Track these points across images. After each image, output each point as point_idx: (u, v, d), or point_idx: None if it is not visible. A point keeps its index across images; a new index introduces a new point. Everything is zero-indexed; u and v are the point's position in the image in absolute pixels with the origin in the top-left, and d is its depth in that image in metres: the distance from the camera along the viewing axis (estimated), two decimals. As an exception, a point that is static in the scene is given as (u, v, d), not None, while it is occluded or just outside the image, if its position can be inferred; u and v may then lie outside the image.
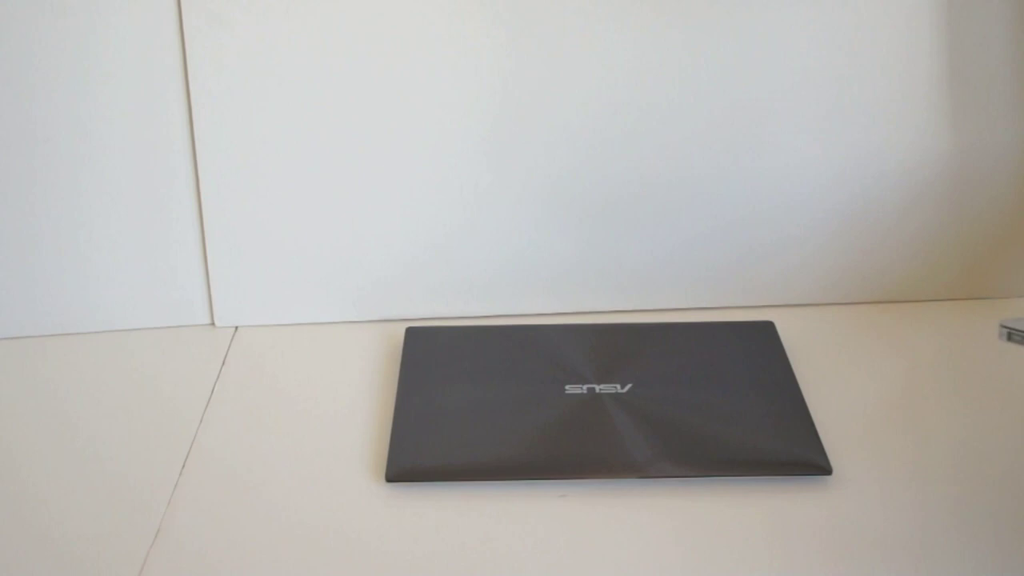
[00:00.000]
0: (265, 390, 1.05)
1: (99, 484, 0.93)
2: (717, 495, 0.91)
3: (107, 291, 1.12)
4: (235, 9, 1.03)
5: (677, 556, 0.86)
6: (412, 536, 0.88)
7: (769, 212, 1.12)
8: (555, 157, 1.09)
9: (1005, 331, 0.87)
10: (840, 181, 1.11)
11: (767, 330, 1.08)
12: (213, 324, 1.14)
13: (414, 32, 1.05)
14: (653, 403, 0.98)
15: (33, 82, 1.04)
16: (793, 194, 1.11)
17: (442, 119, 1.08)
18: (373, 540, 0.88)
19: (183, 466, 0.95)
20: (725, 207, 1.11)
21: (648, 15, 1.05)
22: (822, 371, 1.04)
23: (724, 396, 0.99)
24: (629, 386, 1.00)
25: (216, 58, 1.05)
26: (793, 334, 1.08)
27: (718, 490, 0.91)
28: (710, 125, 1.09)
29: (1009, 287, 1.16)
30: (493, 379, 1.02)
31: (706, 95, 1.08)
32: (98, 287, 1.11)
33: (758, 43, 1.06)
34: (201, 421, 1.00)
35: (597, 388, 1.00)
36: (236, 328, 1.13)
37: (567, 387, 1.00)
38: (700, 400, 0.99)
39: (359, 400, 1.02)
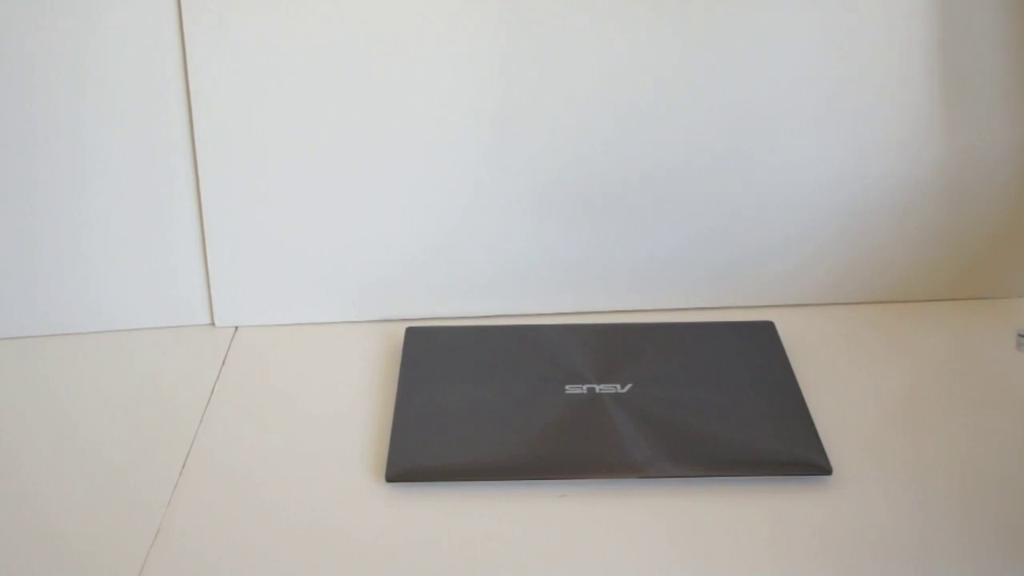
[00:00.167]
0: (265, 390, 1.05)
1: (99, 484, 0.93)
2: (717, 495, 0.91)
3: (107, 291, 1.12)
4: (235, 9, 1.03)
5: (677, 556, 0.86)
6: (412, 536, 0.88)
7: (769, 212, 1.12)
8: (555, 157, 1.09)
9: (1023, 340, 0.87)
10: (840, 181, 1.11)
11: (767, 330, 1.08)
12: (213, 324, 1.14)
13: (414, 32, 1.05)
14: (653, 403, 0.98)
15: (33, 82, 1.04)
16: (793, 194, 1.11)
17: (442, 119, 1.08)
18: (373, 540, 0.88)
19: (183, 466, 0.95)
20: (725, 207, 1.11)
21: (648, 15, 1.05)
22: (822, 371, 1.04)
23: (724, 396, 0.99)
24: (629, 386, 1.00)
25: (216, 58, 1.05)
26: (793, 334, 1.08)
27: (718, 490, 0.91)
28: (710, 125, 1.09)
29: (1009, 287, 1.16)
30: (493, 379, 1.02)
31: (706, 96, 1.08)
32: (98, 287, 1.12)
33: (758, 44, 1.07)
34: (201, 421, 1.00)
35: (597, 388, 1.00)
36: (236, 328, 1.13)
37: (567, 387, 1.00)
38: (700, 400, 0.99)
39: (359, 400, 1.02)
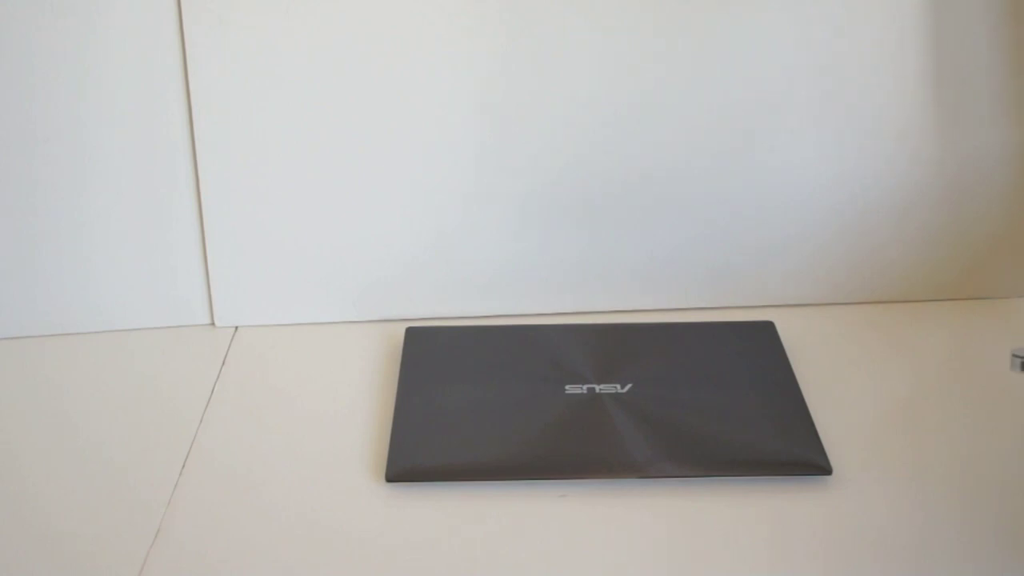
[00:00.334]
0: (265, 390, 1.05)
1: (99, 484, 0.93)
2: (717, 495, 0.91)
3: (107, 291, 1.12)
4: (235, 9, 1.03)
5: (677, 556, 0.86)
6: (412, 536, 0.88)
7: (769, 212, 1.12)
8: (555, 158, 1.09)
9: (1019, 361, 0.86)
10: (840, 181, 1.11)
11: (767, 330, 1.08)
12: (213, 324, 1.14)
13: (414, 32, 1.05)
14: (653, 403, 0.98)
15: (33, 82, 1.04)
16: (793, 194, 1.11)
17: (442, 119, 1.08)
18: (373, 540, 0.88)
19: (183, 466, 0.95)
20: (725, 207, 1.11)
21: (649, 16, 1.05)
22: (822, 371, 1.04)
23: (724, 396, 0.99)
24: (629, 386, 1.00)
25: (216, 58, 1.05)
26: (793, 334, 1.08)
27: (718, 490, 0.91)
28: (710, 126, 1.09)
29: (1009, 287, 1.16)
30: (493, 379, 1.02)
31: (706, 96, 1.08)
32: (98, 287, 1.11)
33: (758, 44, 1.06)
34: (201, 421, 1.00)
35: (597, 388, 1.00)
36: (236, 328, 1.13)
37: (567, 387, 1.00)
38: (700, 400, 0.99)
39: (359, 400, 1.02)
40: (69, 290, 1.11)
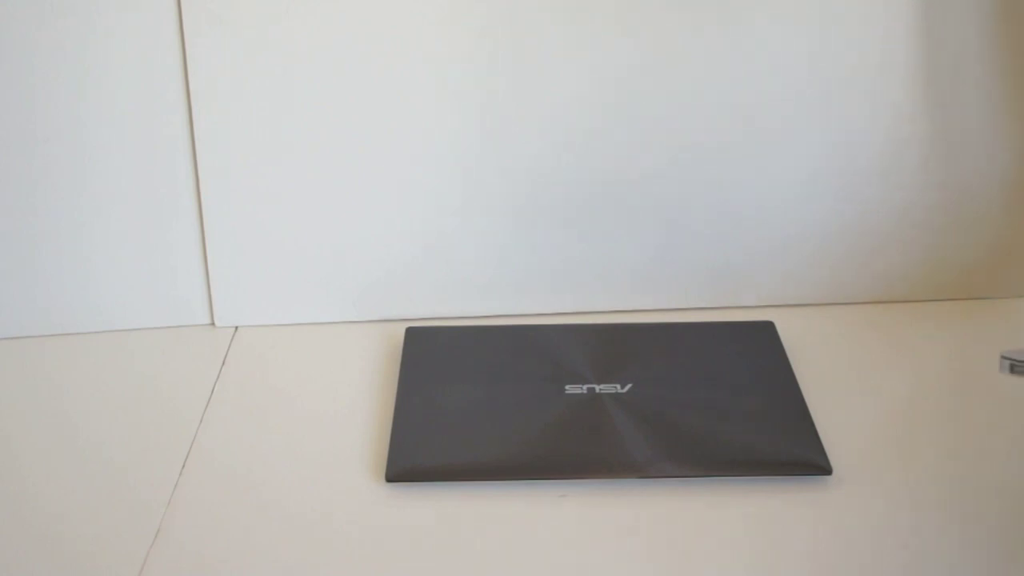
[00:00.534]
0: (265, 390, 1.05)
1: (99, 484, 0.93)
2: (717, 495, 0.91)
3: (107, 291, 1.12)
4: (235, 9, 1.03)
5: (677, 556, 0.86)
6: (412, 536, 0.88)
7: (769, 212, 1.12)
8: (555, 157, 1.09)
9: (1007, 363, 0.85)
10: (840, 181, 1.11)
11: (767, 330, 1.08)
12: (213, 324, 1.14)
13: (414, 32, 1.05)
14: (653, 403, 0.98)
15: (33, 82, 1.04)
16: (793, 194, 1.11)
17: (442, 119, 1.08)
18: (373, 540, 0.88)
19: (183, 466, 0.95)
20: (725, 207, 1.11)
21: (649, 16, 1.05)
22: (822, 371, 1.04)
23: (724, 396, 0.99)
24: (629, 386, 1.00)
25: (216, 58, 1.05)
26: (793, 334, 1.08)
27: (718, 490, 0.91)
28: (710, 125, 1.09)
29: (1009, 287, 1.16)
30: (493, 379, 1.02)
31: (706, 96, 1.08)
32: (98, 287, 1.12)
33: (757, 43, 1.06)
34: (201, 421, 1.00)
35: (597, 388, 1.00)
36: (236, 328, 1.13)
37: (567, 387, 1.00)
38: (700, 400, 0.99)
39: (359, 400, 1.02)
40: (69, 290, 1.11)
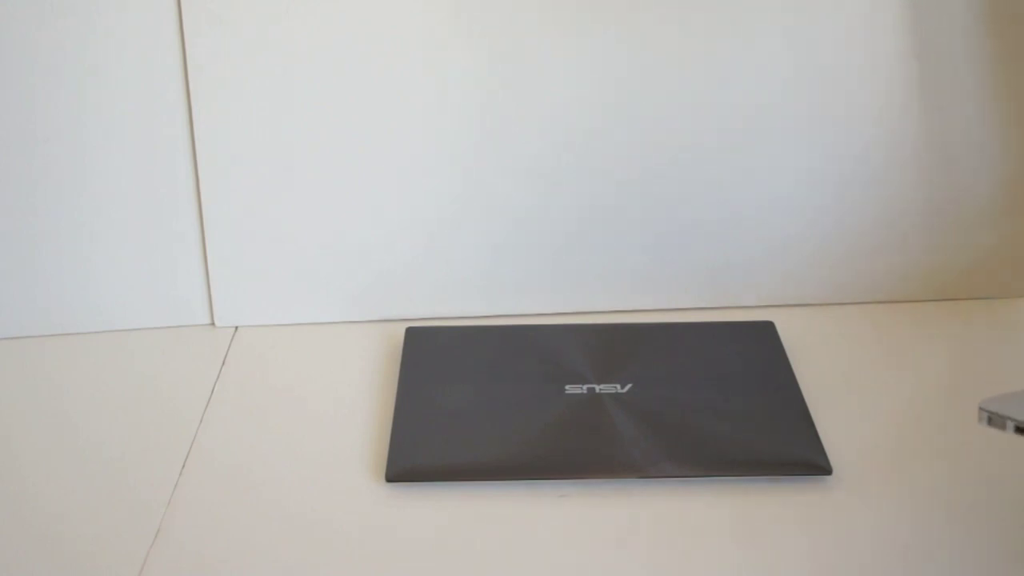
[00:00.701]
0: (265, 390, 1.05)
1: (99, 484, 0.93)
2: (717, 495, 0.91)
3: (107, 291, 1.12)
4: (235, 9, 1.03)
5: (677, 556, 0.86)
6: (412, 536, 0.88)
7: (768, 212, 1.12)
8: (555, 158, 1.09)
9: (985, 415, 0.84)
10: (840, 182, 1.11)
11: (767, 330, 1.08)
12: (213, 324, 1.14)
13: (414, 32, 1.05)
14: (653, 403, 0.98)
15: (33, 82, 1.04)
16: (793, 194, 1.11)
17: (441, 118, 1.08)
18: (373, 540, 0.88)
19: (183, 466, 0.95)
20: (724, 207, 1.11)
21: (651, 16, 1.05)
22: (822, 371, 1.04)
23: (724, 396, 0.99)
24: (629, 386, 1.00)
25: (216, 58, 1.05)
26: (793, 334, 1.08)
27: (718, 490, 0.91)
28: (709, 126, 1.09)
29: (1009, 287, 1.16)
30: (493, 379, 1.02)
31: (705, 96, 1.08)
32: (98, 287, 1.12)
33: (756, 43, 1.07)
34: (201, 421, 1.00)
35: (597, 388, 1.00)
36: (236, 328, 1.13)
37: (567, 387, 1.00)
38: (700, 400, 0.99)
39: (359, 400, 1.02)
40: (69, 290, 1.11)
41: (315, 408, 1.02)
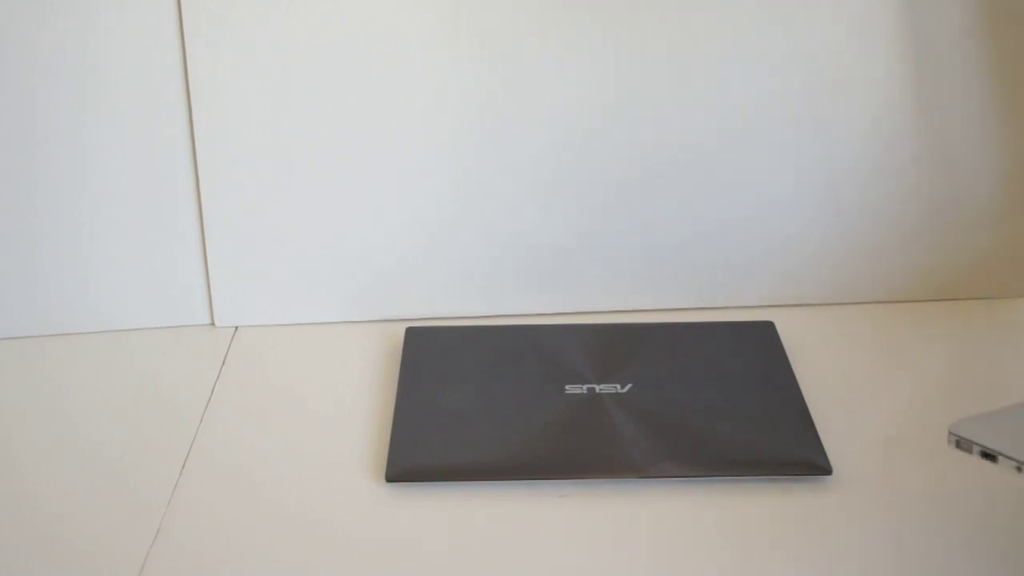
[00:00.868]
0: (265, 390, 1.05)
1: (99, 484, 0.93)
2: (717, 495, 0.91)
3: (107, 291, 1.12)
4: (235, 9, 1.03)
5: (677, 556, 0.86)
6: (412, 536, 0.88)
7: (768, 212, 1.12)
8: (555, 158, 1.09)
9: (954, 439, 0.84)
10: (840, 182, 1.11)
11: (767, 330, 1.08)
12: (213, 324, 1.14)
13: (413, 32, 1.05)
14: (653, 403, 0.98)
15: (33, 82, 1.04)
16: (793, 194, 1.11)
17: (442, 119, 1.08)
18: (373, 540, 0.88)
19: (183, 466, 0.95)
20: (724, 207, 1.11)
21: (651, 16, 1.05)
22: (822, 371, 1.04)
23: (724, 396, 0.99)
24: (629, 386, 1.00)
25: (216, 58, 1.05)
26: (793, 334, 1.08)
27: (718, 490, 0.91)
28: (709, 126, 1.09)
29: (1009, 287, 1.16)
30: (493, 379, 1.02)
31: (705, 96, 1.08)
32: (98, 287, 1.12)
33: (756, 43, 1.07)
34: (201, 421, 1.00)
35: (597, 388, 1.00)
36: (236, 328, 1.13)
37: (567, 387, 1.00)
38: (700, 400, 0.99)
39: (359, 400, 1.02)
40: (69, 290, 1.11)
41: (315, 408, 1.02)
